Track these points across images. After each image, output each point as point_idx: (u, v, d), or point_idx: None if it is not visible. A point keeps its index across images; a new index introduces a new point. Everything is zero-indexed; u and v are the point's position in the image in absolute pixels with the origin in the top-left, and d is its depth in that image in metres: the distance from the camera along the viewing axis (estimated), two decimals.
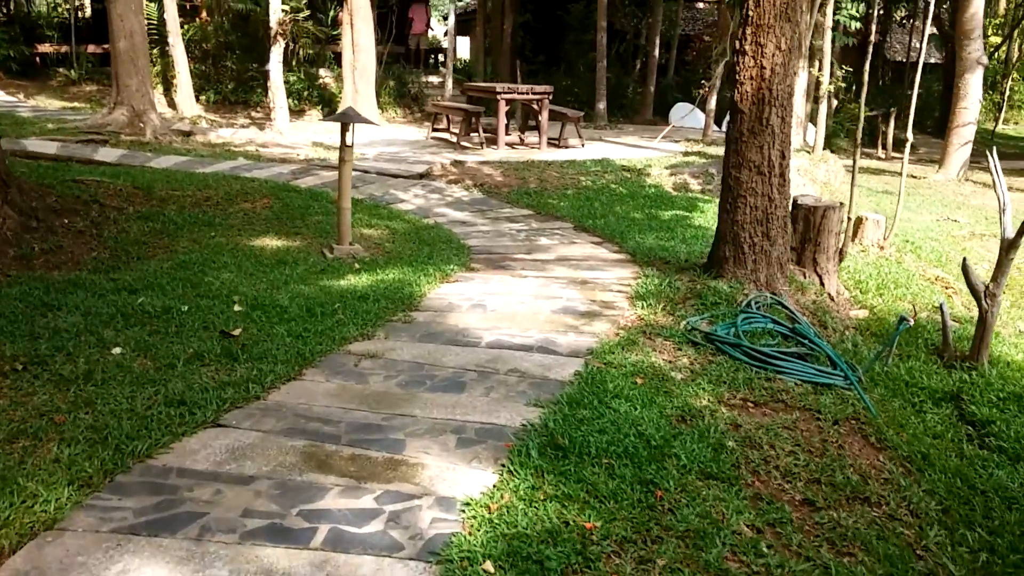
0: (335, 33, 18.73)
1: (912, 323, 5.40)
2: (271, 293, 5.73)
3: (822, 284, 6.59)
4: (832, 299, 6.59)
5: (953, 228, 11.18)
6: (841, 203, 6.83)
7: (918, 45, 22.01)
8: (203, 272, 6.15)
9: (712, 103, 15.55)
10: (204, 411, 3.80)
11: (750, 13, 5.69)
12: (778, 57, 5.64)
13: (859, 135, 7.99)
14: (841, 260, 7.16)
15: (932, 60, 32.90)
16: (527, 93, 13.26)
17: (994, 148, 6.31)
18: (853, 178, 7.37)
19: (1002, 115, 30.62)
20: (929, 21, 9.22)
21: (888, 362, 5.32)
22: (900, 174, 14.49)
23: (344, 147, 6.92)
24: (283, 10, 13.12)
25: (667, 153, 13.55)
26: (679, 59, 25.90)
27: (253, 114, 18.45)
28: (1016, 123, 33.55)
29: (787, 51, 5.65)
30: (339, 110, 17.63)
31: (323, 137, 15.04)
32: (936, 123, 26.43)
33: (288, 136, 14.14)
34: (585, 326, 5.22)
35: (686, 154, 13.21)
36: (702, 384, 4.35)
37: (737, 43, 5.83)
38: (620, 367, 4.48)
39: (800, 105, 10.94)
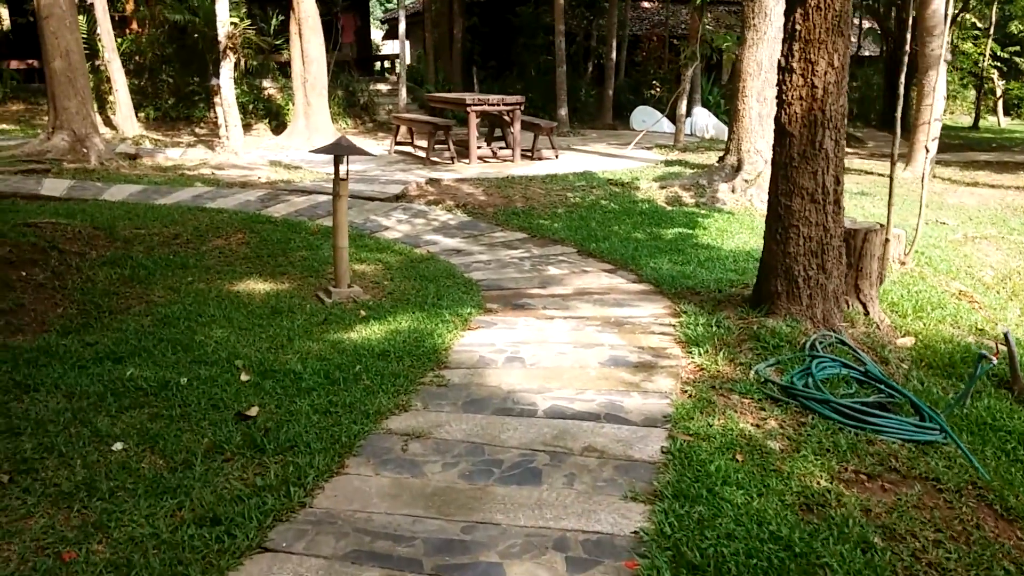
0: (278, 43, 17.85)
1: (995, 362, 4.98)
2: (277, 354, 5.02)
3: (866, 312, 6.14)
4: (878, 327, 6.16)
5: (946, 231, 10.95)
6: (881, 224, 6.40)
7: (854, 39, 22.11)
8: (191, 330, 5.40)
9: (683, 108, 15.17)
10: (245, 530, 3.12)
11: (797, 28, 5.19)
12: (831, 75, 5.16)
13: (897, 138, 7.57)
14: (880, 283, 6.74)
15: (866, 53, 33.39)
16: (498, 104, 12.66)
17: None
18: (891, 194, 6.98)
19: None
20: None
21: (964, 402, 4.89)
22: (869, 172, 14.27)
23: (338, 180, 6.23)
24: (232, 23, 12.26)
25: (646, 163, 13.10)
26: (628, 60, 25.59)
27: (197, 130, 17.47)
28: (952, 112, 34.25)
29: (840, 68, 5.17)
30: (291, 125, 16.79)
31: (278, 155, 14.21)
32: (880, 117, 26.62)
33: (243, 156, 13.26)
34: (645, 382, 4.65)
35: (667, 163, 12.77)
36: (807, 456, 3.81)
37: (782, 60, 5.33)
38: (709, 438, 3.92)
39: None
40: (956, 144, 22.12)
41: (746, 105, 10.49)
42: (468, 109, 12.47)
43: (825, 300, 5.43)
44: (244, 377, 4.63)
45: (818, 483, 3.59)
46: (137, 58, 18.05)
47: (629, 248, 7.99)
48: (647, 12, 29.34)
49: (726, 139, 20.13)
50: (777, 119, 5.44)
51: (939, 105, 16.58)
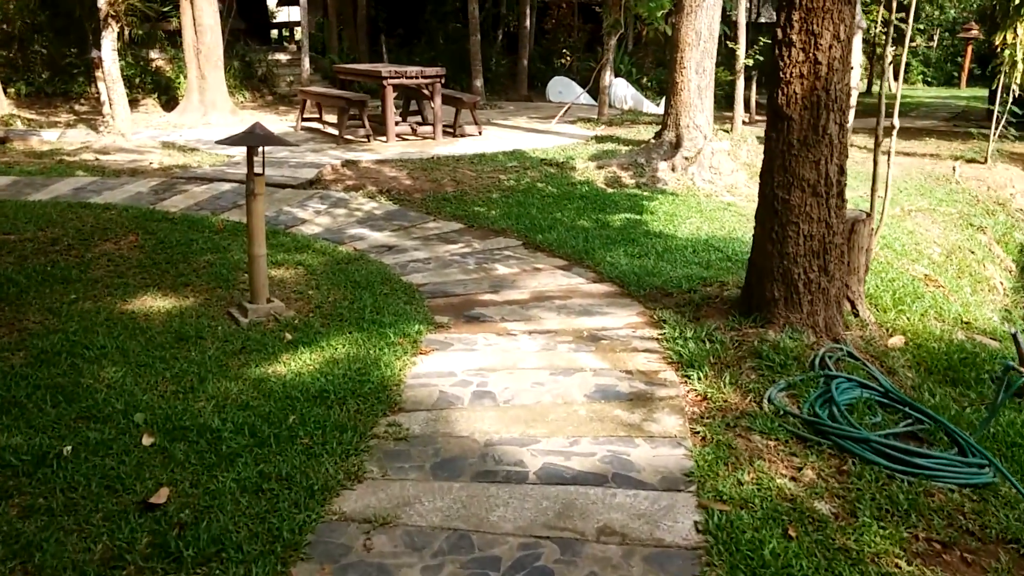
0: (166, 10, 16.22)
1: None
2: (187, 401, 4.04)
3: (855, 312, 5.54)
4: (869, 328, 5.58)
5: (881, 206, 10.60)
6: (868, 213, 5.80)
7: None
8: (76, 369, 4.33)
9: (607, 79, 14.43)
10: None
11: None
12: (836, 49, 4.46)
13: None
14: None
15: (763, 19, 33.50)
16: (417, 77, 11.63)
17: None
18: (875, 178, 6.38)
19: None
20: None
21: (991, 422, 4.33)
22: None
23: (252, 176, 5.20)
24: None
25: (574, 139, 12.32)
26: (538, 28, 24.70)
27: (78, 107, 15.74)
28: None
29: (847, 41, 4.47)
30: (183, 100, 15.27)
31: (170, 134, 12.80)
32: None
33: (131, 137, 11.83)
34: (647, 422, 3.88)
35: (597, 139, 12.02)
36: (869, 524, 3.11)
37: (779, 31, 4.59)
38: (747, 505, 3.18)
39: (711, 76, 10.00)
40: (857, 111, 22.14)
41: (684, 77, 9.82)
42: (384, 83, 11.40)
43: (827, 306, 4.78)
44: (147, 440, 3.64)
45: (896, 565, 2.89)
46: (4, 26, 16.09)
47: (579, 239, 7.21)
48: None
49: (644, 109, 19.64)
50: (772, 101, 4.71)
51: (855, 74, 16.43)
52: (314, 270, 6.34)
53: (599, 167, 9.83)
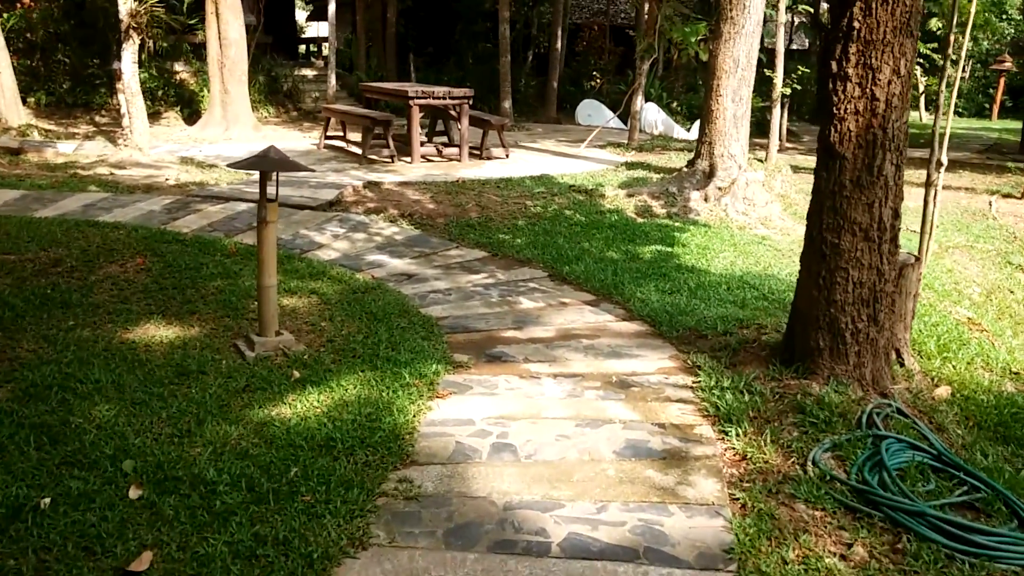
0: (192, 22, 16.14)
1: None
2: (182, 447, 3.74)
3: (900, 360, 5.16)
4: (914, 378, 5.19)
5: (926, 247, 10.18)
6: (917, 257, 5.43)
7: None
8: (66, 406, 4.05)
9: (637, 104, 14.13)
10: None
11: (856, 25, 4.11)
12: (895, 85, 4.11)
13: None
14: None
15: (795, 47, 33.13)
16: (444, 97, 11.38)
17: None
18: (925, 218, 6.01)
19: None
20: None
21: None
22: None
23: (265, 203, 4.93)
24: None
25: (603, 164, 12.01)
26: (568, 50, 24.51)
27: (98, 119, 15.68)
28: None
29: (906, 77, 4.13)
30: (205, 114, 15.15)
31: (190, 149, 12.64)
32: (812, 111, 26.10)
33: (149, 151, 11.66)
34: (682, 485, 3.52)
35: (628, 166, 11.70)
36: None
37: (834, 64, 4.26)
38: None
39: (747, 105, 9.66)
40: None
41: (720, 105, 9.49)
42: (411, 102, 11.17)
43: (875, 358, 4.41)
44: (134, 492, 3.33)
45: None
46: (28, 35, 16.08)
47: (607, 272, 6.88)
48: (586, 0, 28.33)
49: (674, 135, 19.31)
50: (823, 138, 4.36)
51: None
52: (329, 299, 6.05)
53: (629, 195, 9.51)
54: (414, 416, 4.17)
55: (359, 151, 11.66)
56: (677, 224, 8.77)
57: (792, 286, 6.89)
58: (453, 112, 11.66)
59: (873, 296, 4.32)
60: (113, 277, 6.13)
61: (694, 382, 4.62)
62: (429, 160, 11.78)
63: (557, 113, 19.92)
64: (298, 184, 9.79)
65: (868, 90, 4.12)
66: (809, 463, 3.69)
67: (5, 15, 15.48)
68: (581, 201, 9.37)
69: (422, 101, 11.26)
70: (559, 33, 19.16)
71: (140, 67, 16.83)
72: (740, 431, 3.95)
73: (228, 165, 4.91)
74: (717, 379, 4.54)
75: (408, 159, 11.50)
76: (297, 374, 4.64)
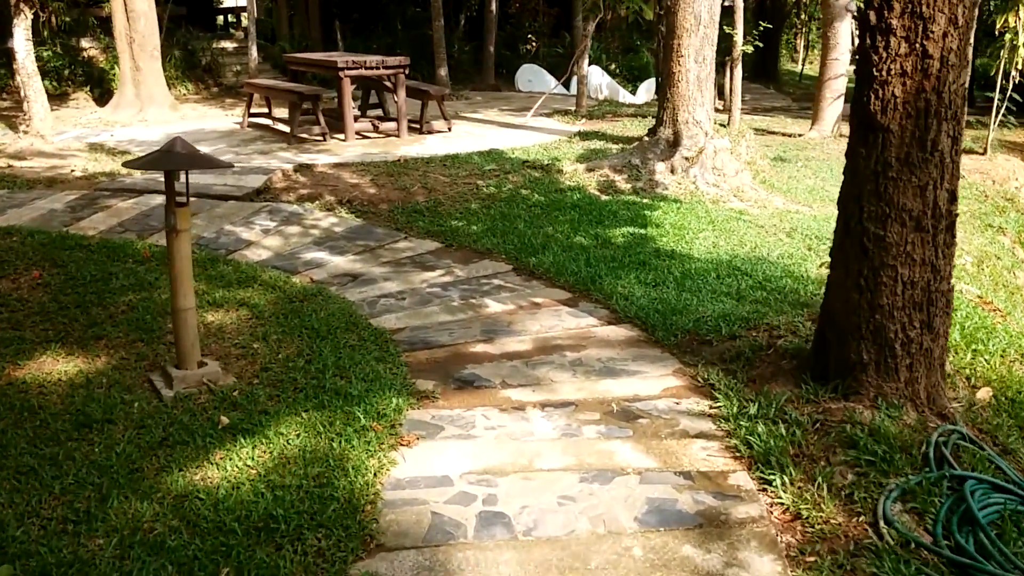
0: None
1: None
2: (77, 542, 2.84)
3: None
4: (953, 381, 4.53)
5: None
6: None
7: None
8: None
9: (584, 67, 13.27)
10: None
11: None
12: (952, 39, 3.35)
13: None
14: None
15: (727, 3, 32.59)
16: (378, 67, 10.35)
17: None
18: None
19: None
20: None
21: None
22: (768, 131, 12.80)
23: (173, 208, 3.98)
24: None
25: (555, 135, 11.15)
26: (500, 12, 23.46)
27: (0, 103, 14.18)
28: (811, 62, 34.03)
29: (964, 28, 3.37)
30: (116, 94, 13.77)
31: (100, 134, 11.38)
32: (754, 69, 25.57)
33: (53, 138, 10.40)
34: (731, 568, 2.74)
35: (581, 136, 10.85)
36: None
37: (872, 15, 3.47)
38: None
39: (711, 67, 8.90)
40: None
41: (682, 67, 8.70)
42: (341, 74, 10.12)
43: (930, 371, 3.70)
44: None
45: None
46: None
47: (580, 263, 6.07)
48: None
49: (620, 99, 18.50)
50: (860, 106, 3.59)
51: (845, 59, 15.48)
52: (261, 312, 5.12)
53: (589, 169, 8.69)
54: (375, 475, 3.33)
55: (287, 129, 10.59)
56: (645, 201, 8.00)
57: (787, 270, 6.22)
58: (388, 83, 10.65)
59: (927, 298, 3.60)
60: (2, 296, 5.10)
61: (712, 408, 3.86)
62: (365, 137, 10.77)
63: (495, 80, 18.93)
64: (220, 171, 8.72)
65: (918, 45, 3.35)
66: (880, 521, 2.95)
67: None
68: (538, 178, 8.52)
69: (353, 72, 10.22)
70: None
71: (42, 45, 15.38)
72: (785, 479, 3.20)
73: (125, 164, 3.93)
74: (740, 404, 3.78)
75: (342, 137, 10.47)
76: (226, 420, 3.74)
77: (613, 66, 21.98)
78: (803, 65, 29.79)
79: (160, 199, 7.38)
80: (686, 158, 8.62)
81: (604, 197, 8.11)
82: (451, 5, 22.13)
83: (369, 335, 4.80)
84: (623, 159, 8.84)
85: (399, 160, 9.14)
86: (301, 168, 8.83)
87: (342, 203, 7.71)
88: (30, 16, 9.53)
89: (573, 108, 13.45)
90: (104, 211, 7.11)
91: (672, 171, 8.58)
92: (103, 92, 15.13)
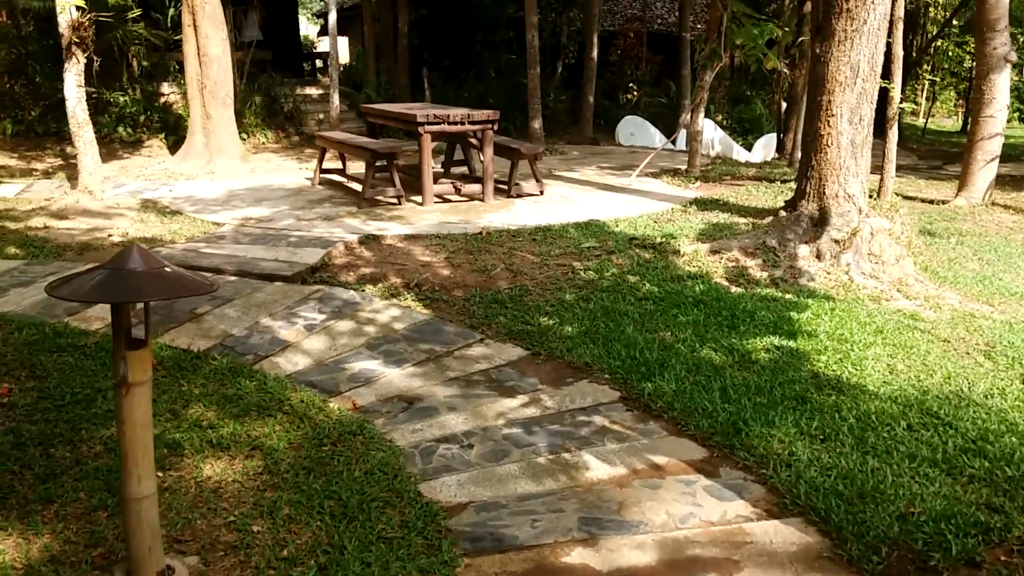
0: (177, 38, 14.01)
1: None
2: None
3: None
4: None
5: None
6: None
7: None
8: None
9: (700, 122, 11.72)
10: None
11: None
12: None
13: None
14: None
15: None
16: (463, 121, 9.04)
17: None
18: None
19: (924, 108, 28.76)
20: None
21: None
22: (912, 197, 10.99)
23: (123, 352, 2.62)
24: (77, 6, 8.43)
25: (664, 202, 9.60)
26: (601, 59, 22.19)
27: (69, 149, 13.50)
28: (934, 115, 31.55)
29: None
30: (185, 143, 12.90)
31: (159, 187, 10.42)
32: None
33: (106, 192, 9.45)
34: None
35: (699, 205, 9.25)
36: None
37: None
38: None
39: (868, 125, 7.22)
40: (957, 153, 18.75)
41: (833, 129, 7.07)
42: (421, 130, 8.85)
43: None
44: None
45: None
46: None
47: (713, 393, 4.48)
48: (619, 5, 25.99)
49: (734, 156, 16.81)
50: None
51: (1002, 116, 13.48)
52: (278, 462, 3.71)
53: (714, 251, 7.09)
54: None
55: (360, 187, 9.35)
56: (789, 296, 6.34)
57: (1004, 418, 4.42)
58: (474, 140, 9.33)
59: None
60: None
61: None
62: (445, 200, 9.44)
63: (594, 132, 17.55)
64: (275, 240, 7.48)
65: None
66: None
67: None
68: (649, 261, 6.97)
69: (434, 128, 8.94)
70: (594, 39, 16.79)
71: (121, 90, 14.79)
72: None
73: (48, 290, 2.59)
74: None
75: (419, 199, 9.18)
76: None
77: (720, 116, 20.40)
78: (926, 119, 27.52)
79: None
80: (836, 241, 6.94)
81: (735, 289, 6.49)
82: (548, 52, 20.98)
83: (416, 517, 3.32)
84: (756, 239, 7.21)
85: (481, 233, 7.73)
86: (367, 240, 7.53)
87: (409, 287, 6.33)
88: (82, 60, 8.60)
89: (683, 167, 11.89)
90: None
91: (818, 257, 6.91)
92: (178, 139, 14.38)
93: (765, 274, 6.74)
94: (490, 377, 4.86)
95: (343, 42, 29.71)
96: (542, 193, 9.80)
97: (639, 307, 5.97)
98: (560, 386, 4.73)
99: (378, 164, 9.08)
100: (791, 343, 5.36)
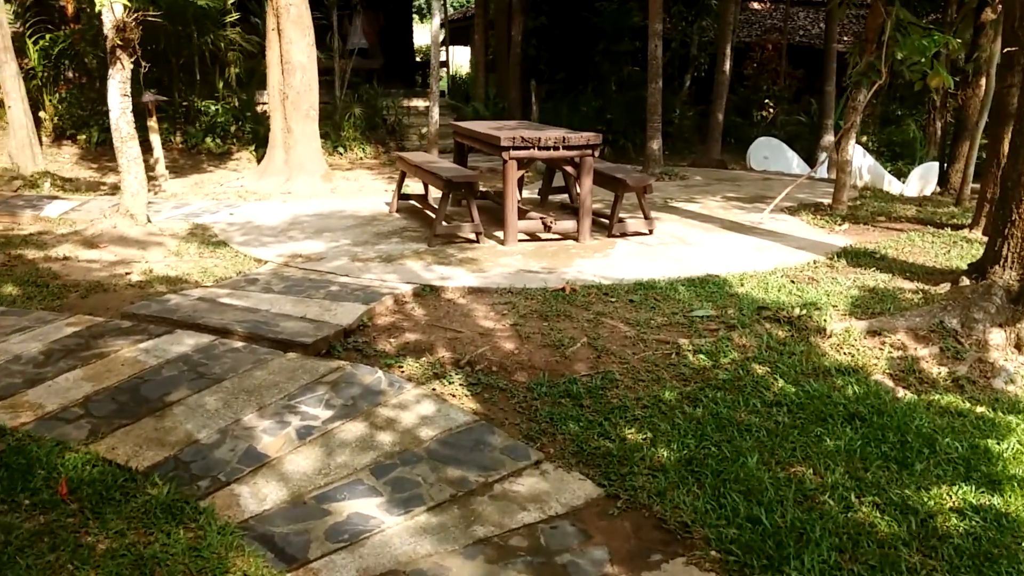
0: None
1: None
2: None
3: None
4: None
5: None
6: None
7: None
8: None
9: (849, 149, 9.72)
10: None
11: None
12: None
13: None
14: None
15: None
16: (556, 147, 7.48)
17: None
18: None
19: None
20: None
21: None
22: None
23: None
24: (124, 3, 7.40)
25: (801, 249, 7.71)
26: (734, 74, 20.13)
27: (150, 160, 12.79)
28: None
29: None
30: (265, 158, 11.87)
31: (221, 209, 9.35)
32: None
33: (161, 214, 8.45)
34: None
35: (849, 257, 7.29)
36: None
37: None
38: None
39: None
40: None
41: None
42: (505, 155, 7.36)
43: None
44: None
45: None
46: (85, 61, 13.51)
47: None
48: (756, 15, 23.82)
49: (885, 187, 14.48)
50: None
51: None
52: None
53: (872, 333, 5.24)
54: None
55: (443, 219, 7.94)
56: (981, 410, 4.46)
57: None
58: (570, 168, 7.76)
59: None
60: None
61: None
62: (533, 239, 7.90)
63: (721, 153, 15.64)
64: (312, 289, 6.14)
65: None
66: None
67: (48, 36, 12.93)
68: (782, 342, 5.20)
69: (522, 152, 7.41)
70: (727, 51, 14.90)
71: (217, 99, 14.06)
72: None
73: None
74: None
75: (501, 236, 7.68)
76: None
77: (864, 138, 18.00)
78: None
79: (187, 345, 4.83)
80: None
81: (902, 393, 4.66)
82: (676, 64, 19.16)
83: None
84: (930, 318, 5.31)
85: (564, 289, 6.14)
86: (423, 293, 6.09)
87: (460, 365, 4.83)
88: (128, 66, 7.57)
89: (826, 202, 9.92)
90: (86, 365, 4.63)
91: (1019, 347, 4.99)
92: (264, 154, 13.47)
93: (944, 369, 4.86)
94: (537, 542, 3.28)
95: (463, 52, 28.67)
96: (651, 232, 8.11)
97: (767, 418, 4.25)
98: (640, 569, 3.10)
99: (454, 195, 7.64)
100: (994, 500, 3.53)
